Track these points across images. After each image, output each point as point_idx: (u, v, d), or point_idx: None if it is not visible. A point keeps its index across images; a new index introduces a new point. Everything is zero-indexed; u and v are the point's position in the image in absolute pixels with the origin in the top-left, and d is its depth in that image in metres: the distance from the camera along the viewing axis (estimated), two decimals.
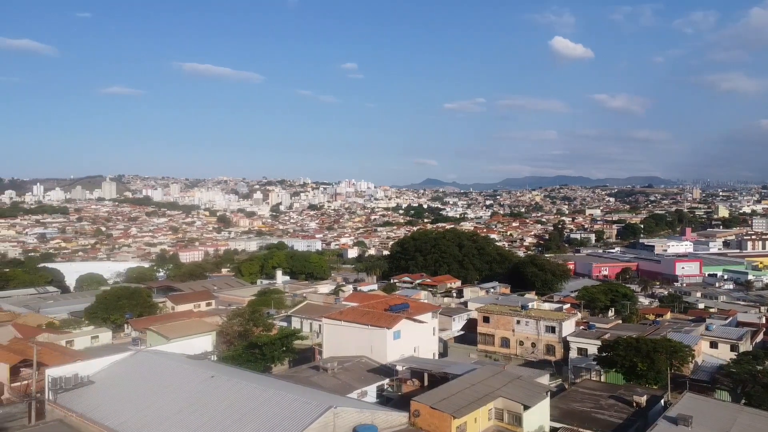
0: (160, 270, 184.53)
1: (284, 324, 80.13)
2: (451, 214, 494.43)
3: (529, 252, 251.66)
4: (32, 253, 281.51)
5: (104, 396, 38.19)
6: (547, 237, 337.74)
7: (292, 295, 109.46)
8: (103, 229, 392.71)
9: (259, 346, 56.46)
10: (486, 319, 77.55)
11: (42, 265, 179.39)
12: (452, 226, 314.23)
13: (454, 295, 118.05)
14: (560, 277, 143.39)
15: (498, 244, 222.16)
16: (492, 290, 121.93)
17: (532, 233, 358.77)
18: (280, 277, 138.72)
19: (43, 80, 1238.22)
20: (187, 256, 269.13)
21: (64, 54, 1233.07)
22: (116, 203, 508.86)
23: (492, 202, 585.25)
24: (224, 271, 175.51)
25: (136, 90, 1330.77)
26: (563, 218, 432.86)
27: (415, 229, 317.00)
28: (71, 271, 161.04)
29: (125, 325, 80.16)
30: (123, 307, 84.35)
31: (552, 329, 72.51)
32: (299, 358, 62.73)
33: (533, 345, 73.74)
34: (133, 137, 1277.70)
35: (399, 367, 49.96)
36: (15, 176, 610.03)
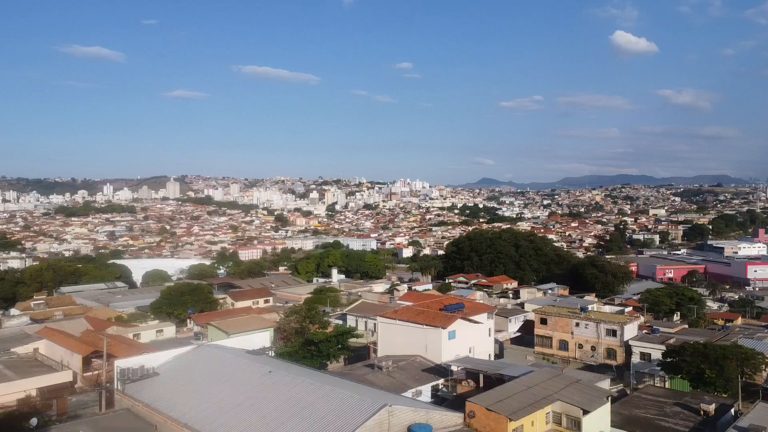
0: (221, 267, 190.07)
1: (339, 322, 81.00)
2: (507, 213, 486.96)
3: (588, 253, 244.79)
4: (102, 250, 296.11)
5: (168, 387, 39.66)
6: (607, 238, 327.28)
7: (347, 294, 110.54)
8: (168, 227, 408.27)
9: (315, 343, 57.30)
10: (543, 321, 75.97)
11: (111, 261, 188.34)
12: (508, 226, 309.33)
13: (511, 296, 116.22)
14: (622, 279, 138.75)
15: (556, 244, 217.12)
16: (550, 291, 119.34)
17: (592, 234, 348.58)
18: (336, 276, 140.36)
19: (112, 85, 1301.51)
20: (246, 254, 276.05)
21: (132, 60, 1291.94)
22: (179, 202, 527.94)
23: (550, 201, 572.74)
24: (281, 269, 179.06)
25: (198, 93, 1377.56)
26: (625, 218, 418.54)
27: (470, 228, 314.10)
28: (138, 268, 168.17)
29: (188, 320, 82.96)
30: (186, 302, 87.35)
31: (613, 332, 70.27)
32: (354, 356, 63.25)
33: (593, 348, 71.68)
34: (196, 139, 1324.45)
35: (454, 368, 49.59)
36: (87, 177, 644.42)
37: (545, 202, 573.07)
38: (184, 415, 34.63)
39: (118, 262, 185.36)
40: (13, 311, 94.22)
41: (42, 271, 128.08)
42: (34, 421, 37.15)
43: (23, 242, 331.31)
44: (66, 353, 53.84)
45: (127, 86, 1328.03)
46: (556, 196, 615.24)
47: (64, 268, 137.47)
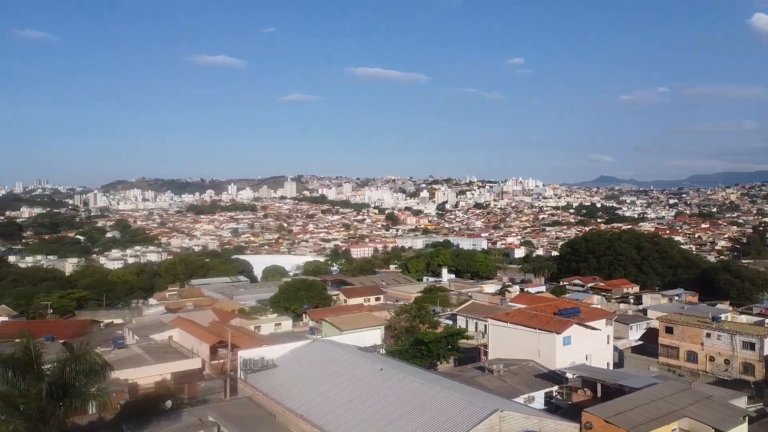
0: (334, 264, 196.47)
1: (449, 322, 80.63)
2: (628, 213, 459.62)
3: (722, 257, 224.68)
4: (227, 246, 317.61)
5: (285, 379, 41.61)
6: (744, 240, 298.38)
7: (457, 294, 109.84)
8: (285, 225, 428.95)
9: (425, 343, 57.43)
10: (669, 330, 70.76)
11: (235, 256, 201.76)
12: (629, 226, 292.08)
13: (632, 301, 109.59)
14: (761, 287, 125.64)
15: (683, 247, 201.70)
16: (676, 298, 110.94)
17: (726, 236, 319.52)
18: (446, 275, 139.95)
19: (234, 91, 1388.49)
20: (357, 252, 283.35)
21: (252, 66, 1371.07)
22: (296, 201, 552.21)
23: (676, 200, 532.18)
24: (392, 267, 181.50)
25: (313, 96, 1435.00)
26: (766, 219, 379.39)
27: (587, 229, 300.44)
28: (258, 263, 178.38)
29: (303, 315, 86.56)
30: (301, 298, 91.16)
31: (751, 345, 63.92)
32: (464, 358, 62.66)
33: (726, 362, 65.68)
34: (311, 140, 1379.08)
35: (569, 375, 47.59)
36: (214, 177, 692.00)
37: (671, 201, 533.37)
38: (300, 406, 36.17)
39: (241, 257, 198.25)
40: (151, 301, 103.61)
41: (175, 265, 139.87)
42: (168, 403, 40.54)
43: (159, 238, 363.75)
44: (196, 342, 58.19)
45: (248, 92, 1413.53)
46: (683, 195, 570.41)
47: (194, 262, 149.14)
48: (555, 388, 47.18)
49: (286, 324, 77.50)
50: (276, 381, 41.59)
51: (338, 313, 75.96)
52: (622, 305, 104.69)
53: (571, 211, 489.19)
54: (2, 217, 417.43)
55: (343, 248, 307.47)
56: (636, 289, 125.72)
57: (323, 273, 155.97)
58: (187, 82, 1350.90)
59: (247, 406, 39.92)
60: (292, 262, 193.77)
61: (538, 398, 45.46)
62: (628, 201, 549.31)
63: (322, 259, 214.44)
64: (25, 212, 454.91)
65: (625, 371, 56.52)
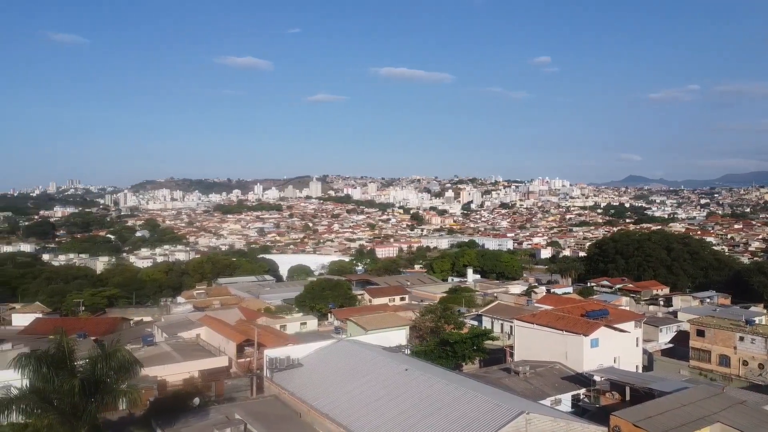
0: (359, 264, 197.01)
1: (475, 323, 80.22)
2: (657, 213, 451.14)
3: (755, 258, 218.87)
4: (253, 245, 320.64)
5: (311, 378, 41.88)
6: None
7: (482, 294, 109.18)
8: (310, 224, 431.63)
9: (450, 344, 57.23)
10: (700, 333, 69.25)
11: (261, 255, 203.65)
12: (659, 227, 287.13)
13: (661, 303, 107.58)
14: None
15: (715, 248, 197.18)
16: (708, 300, 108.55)
17: (760, 237, 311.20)
18: (471, 276, 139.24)
19: (261, 92, 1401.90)
20: (382, 252, 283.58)
21: (278, 67, 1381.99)
22: (321, 201, 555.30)
23: (708, 200, 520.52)
24: (417, 267, 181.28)
25: (338, 96, 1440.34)
26: None
27: (615, 229, 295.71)
28: (284, 262, 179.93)
29: (328, 314, 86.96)
30: (327, 297, 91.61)
31: None
32: (489, 359, 62.28)
33: (761, 366, 64.01)
34: (336, 140, 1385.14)
35: (597, 378, 46.97)
36: (240, 177, 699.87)
37: (702, 201, 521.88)
38: (326, 405, 36.37)
39: (267, 256, 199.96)
40: (179, 299, 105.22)
41: (203, 264, 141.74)
42: (196, 400, 41.13)
43: (187, 237, 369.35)
44: (223, 340, 58.90)
45: (274, 92, 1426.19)
46: (715, 195, 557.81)
47: (221, 261, 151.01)
48: (582, 390, 46.59)
49: (312, 323, 77.95)
50: (301, 380, 41.89)
51: (363, 313, 76.06)
52: (651, 307, 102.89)
53: (599, 211, 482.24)
54: (37, 217, 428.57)
55: (368, 248, 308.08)
56: (666, 290, 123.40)
57: (348, 273, 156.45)
58: (215, 83, 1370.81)
59: (273, 405, 40.29)
60: (317, 262, 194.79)
61: (565, 401, 44.96)
62: (657, 201, 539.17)
63: (347, 259, 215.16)
64: (59, 212, 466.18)
65: (655, 375, 55.51)
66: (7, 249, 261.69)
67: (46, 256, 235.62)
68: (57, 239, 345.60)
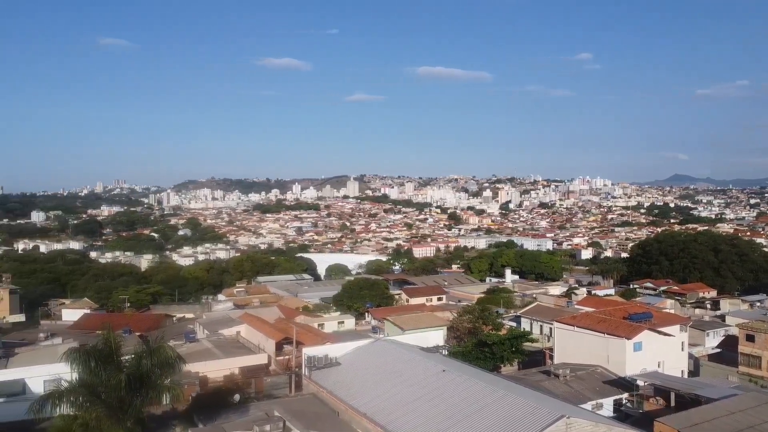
0: (396, 263, 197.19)
1: (513, 324, 79.33)
2: (704, 214, 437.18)
3: None
4: (291, 244, 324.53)
5: (349, 377, 42.09)
6: None
7: (521, 295, 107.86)
8: (348, 224, 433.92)
9: (488, 345, 56.72)
10: (750, 338, 66.74)
11: (299, 254, 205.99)
12: (706, 227, 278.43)
13: (708, 306, 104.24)
14: None
15: (766, 249, 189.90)
16: (758, 304, 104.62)
17: None
18: (509, 276, 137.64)
19: (299, 93, 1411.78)
20: (419, 252, 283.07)
21: (316, 68, 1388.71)
22: (358, 201, 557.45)
23: (758, 200, 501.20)
24: (454, 267, 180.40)
25: (375, 96, 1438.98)
26: None
27: (659, 230, 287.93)
28: (321, 261, 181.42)
29: (366, 314, 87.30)
30: (364, 296, 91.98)
31: None
32: (528, 361, 61.48)
33: None
34: (373, 139, 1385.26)
35: (640, 382, 45.80)
36: (279, 177, 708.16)
37: (752, 201, 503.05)
38: (363, 405, 36.49)
39: (305, 255, 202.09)
40: (220, 297, 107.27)
41: (242, 262, 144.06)
42: (237, 397, 41.87)
43: (227, 236, 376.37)
44: (262, 338, 59.75)
45: (313, 93, 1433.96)
46: (766, 194, 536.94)
47: (260, 259, 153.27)
48: (625, 395, 45.55)
49: (349, 322, 78.39)
50: (339, 378, 42.15)
51: (400, 313, 76.08)
52: (697, 310, 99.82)
53: (642, 211, 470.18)
54: (85, 216, 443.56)
55: (405, 247, 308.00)
56: (713, 293, 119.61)
57: (385, 272, 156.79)
58: (254, 84, 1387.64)
59: (311, 403, 40.67)
60: (354, 261, 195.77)
61: (607, 405, 44.04)
62: (704, 200, 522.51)
63: (384, 258, 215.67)
64: (105, 211, 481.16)
65: (702, 380, 53.81)
66: (58, 247, 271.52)
67: (93, 254, 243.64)
68: (104, 237, 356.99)
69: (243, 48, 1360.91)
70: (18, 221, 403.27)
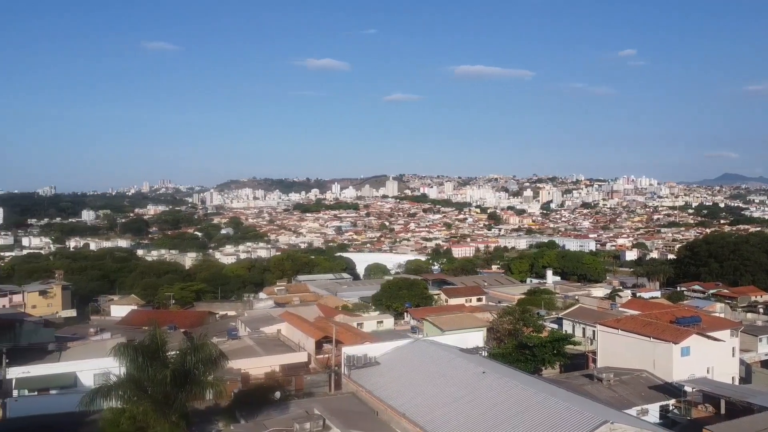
0: (435, 263, 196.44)
1: (555, 326, 77.99)
2: (756, 214, 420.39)
3: None
4: (331, 243, 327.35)
5: (388, 377, 42.13)
6: None
7: (563, 297, 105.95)
8: (387, 223, 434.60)
9: (529, 347, 55.93)
10: None
11: (338, 254, 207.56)
12: (758, 228, 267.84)
13: (761, 311, 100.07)
14: None
15: None
16: None
17: None
18: (551, 277, 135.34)
19: (338, 93, 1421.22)
20: (459, 252, 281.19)
21: (355, 68, 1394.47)
22: (397, 200, 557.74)
23: None
24: (494, 267, 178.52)
25: (414, 95, 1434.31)
26: None
27: (708, 231, 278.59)
28: (361, 261, 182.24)
29: (405, 314, 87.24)
30: (403, 296, 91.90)
31: None
32: (570, 364, 60.30)
33: None
34: (412, 139, 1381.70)
35: (688, 388, 44.38)
36: (319, 177, 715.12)
37: None
38: (402, 405, 36.46)
39: (344, 254, 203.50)
40: (261, 295, 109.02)
41: (283, 261, 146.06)
42: (278, 394, 42.46)
43: (268, 235, 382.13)
44: (302, 336, 60.50)
45: (352, 93, 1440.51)
46: None
47: (300, 258, 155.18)
48: (672, 401, 44.20)
49: (388, 322, 78.50)
50: (378, 378, 42.23)
51: (440, 313, 75.78)
52: (749, 315, 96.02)
53: (690, 211, 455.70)
54: (132, 214, 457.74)
55: (445, 247, 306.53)
56: (766, 297, 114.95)
57: (424, 272, 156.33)
58: (295, 85, 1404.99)
59: (350, 402, 40.89)
60: (393, 261, 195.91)
61: (653, 411, 42.80)
62: (756, 200, 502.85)
63: (423, 258, 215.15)
64: (151, 210, 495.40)
65: (754, 387, 51.79)
66: (106, 244, 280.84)
67: (140, 252, 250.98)
68: (150, 236, 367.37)
69: (284, 49, 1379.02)
70: (70, 220, 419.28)
